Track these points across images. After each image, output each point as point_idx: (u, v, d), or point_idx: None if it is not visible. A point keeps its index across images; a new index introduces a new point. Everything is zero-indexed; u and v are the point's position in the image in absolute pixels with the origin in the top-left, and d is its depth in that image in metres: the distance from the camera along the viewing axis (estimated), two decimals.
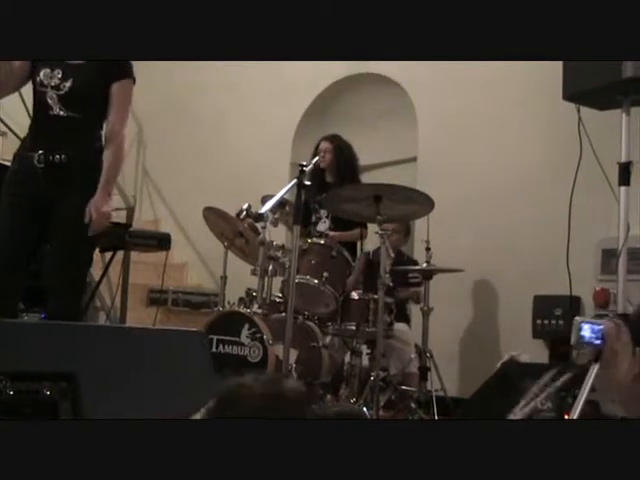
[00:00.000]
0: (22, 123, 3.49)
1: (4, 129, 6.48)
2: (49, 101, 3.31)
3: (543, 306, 5.00)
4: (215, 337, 4.19)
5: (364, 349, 4.65)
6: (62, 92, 3.31)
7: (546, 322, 4.98)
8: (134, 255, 5.07)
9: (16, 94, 3.88)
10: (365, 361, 4.66)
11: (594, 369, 1.75)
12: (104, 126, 3.48)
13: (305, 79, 6.80)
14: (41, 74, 3.32)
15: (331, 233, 5.01)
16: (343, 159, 5.27)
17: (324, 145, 5.29)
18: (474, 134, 5.68)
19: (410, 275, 5.23)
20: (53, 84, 3.31)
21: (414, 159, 6.13)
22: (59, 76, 3.32)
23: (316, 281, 4.37)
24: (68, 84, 3.31)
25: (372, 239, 5.19)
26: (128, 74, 3.44)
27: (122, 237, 4.55)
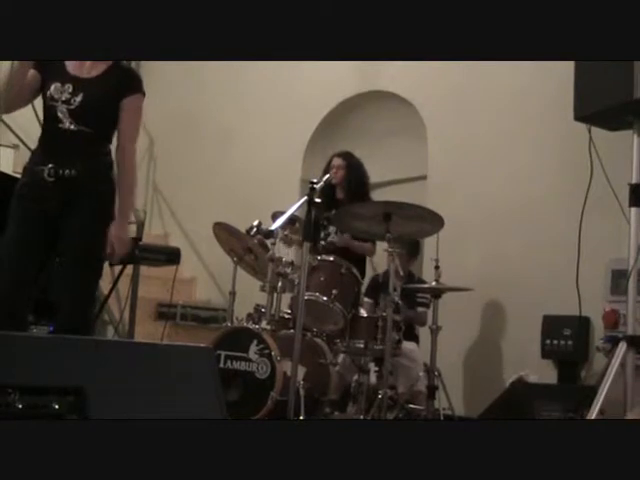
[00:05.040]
0: (35, 136, 3.51)
1: (16, 142, 6.52)
2: (59, 115, 3.32)
3: (552, 326, 4.98)
4: (223, 353, 4.19)
5: (372, 367, 4.64)
6: (73, 106, 3.32)
7: (555, 342, 4.96)
8: (143, 269, 5.08)
9: (29, 107, 3.90)
10: (373, 379, 4.65)
11: (604, 388, 1.76)
12: (114, 140, 3.50)
13: (316, 96, 6.82)
14: (52, 88, 3.34)
15: (345, 236, 5.00)
16: (355, 176, 5.29)
17: (337, 161, 5.31)
18: (484, 153, 5.68)
19: (419, 295, 5.22)
20: (64, 98, 3.33)
21: (424, 177, 6.13)
22: (69, 90, 3.34)
23: (325, 298, 4.36)
24: (79, 98, 3.33)
25: (383, 260, 5.20)
26: (138, 89, 3.47)
27: (132, 252, 4.55)
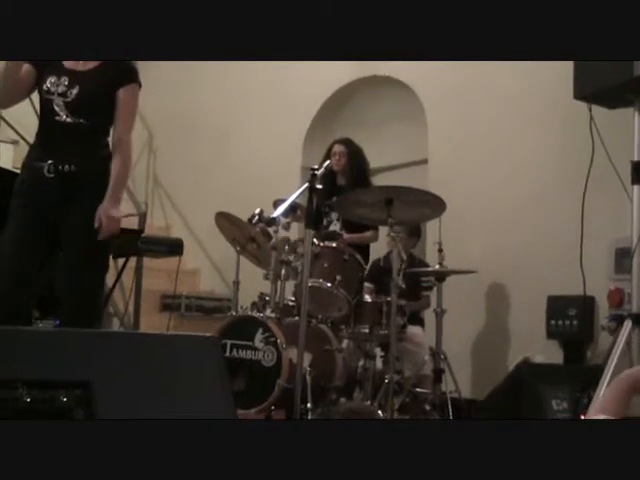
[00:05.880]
0: (34, 132, 3.50)
1: (16, 137, 6.52)
2: (56, 108, 3.31)
3: (557, 306, 4.98)
4: (229, 342, 4.20)
5: (378, 352, 4.65)
6: (69, 99, 3.31)
7: (560, 322, 4.96)
8: (147, 261, 5.08)
9: (28, 102, 3.90)
10: (379, 364, 4.65)
11: (610, 367, 1.77)
12: (111, 132, 3.49)
13: (315, 82, 6.81)
14: (47, 82, 3.33)
15: (344, 234, 5.01)
16: (357, 163, 5.29)
17: (338, 148, 5.30)
18: (484, 135, 5.67)
19: (423, 279, 5.22)
20: (60, 91, 3.32)
21: (425, 161, 6.12)
22: (65, 83, 3.33)
23: (329, 284, 4.36)
24: (75, 91, 3.32)
25: (382, 244, 5.20)
26: (134, 79, 3.45)
27: (135, 243, 4.56)
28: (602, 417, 1.77)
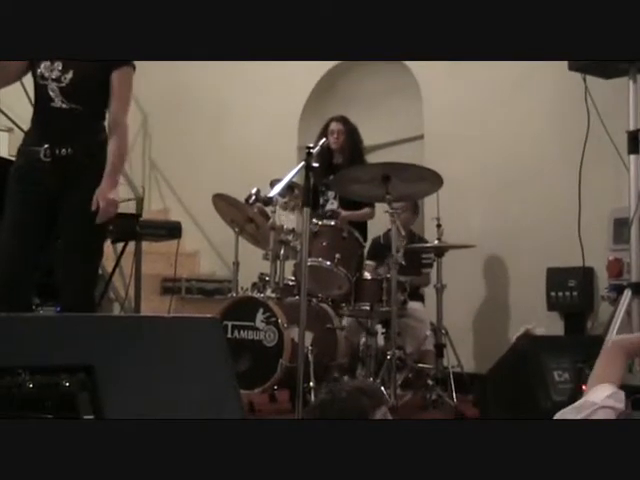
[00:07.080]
0: (28, 119, 3.48)
1: (10, 125, 6.49)
2: (51, 94, 3.29)
3: (557, 278, 4.99)
4: (230, 323, 4.21)
5: (379, 329, 4.66)
6: (63, 84, 3.29)
7: (560, 294, 4.97)
8: (146, 245, 5.08)
9: (21, 90, 3.88)
10: (381, 341, 4.67)
11: (611, 337, 1.79)
12: (107, 116, 3.47)
13: (308, 61, 6.77)
14: (41, 66, 3.31)
15: (342, 212, 5.01)
16: (354, 141, 5.28)
17: (336, 126, 5.28)
18: (479, 109, 5.65)
19: (423, 256, 5.23)
20: (54, 76, 3.29)
21: (421, 137, 6.11)
22: (59, 68, 3.30)
23: (328, 263, 4.37)
24: (69, 76, 3.29)
25: (380, 221, 5.20)
26: (127, 61, 3.42)
27: (133, 228, 4.56)
28: (605, 386, 1.78)
